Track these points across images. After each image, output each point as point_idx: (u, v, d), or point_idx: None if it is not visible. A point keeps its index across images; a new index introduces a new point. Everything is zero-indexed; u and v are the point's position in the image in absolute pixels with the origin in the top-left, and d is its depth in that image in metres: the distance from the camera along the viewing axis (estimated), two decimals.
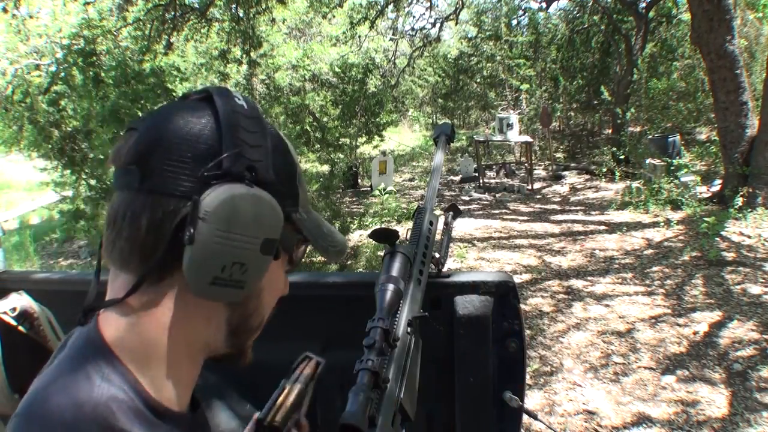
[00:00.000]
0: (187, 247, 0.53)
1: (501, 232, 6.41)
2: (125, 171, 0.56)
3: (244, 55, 8.43)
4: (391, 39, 13.55)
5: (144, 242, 0.54)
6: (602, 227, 6.10)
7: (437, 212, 1.08)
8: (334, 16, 10.99)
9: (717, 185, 6.51)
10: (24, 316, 1.27)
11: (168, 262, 0.54)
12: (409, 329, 0.84)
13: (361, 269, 5.41)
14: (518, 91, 11.75)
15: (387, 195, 7.07)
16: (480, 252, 5.65)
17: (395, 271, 0.87)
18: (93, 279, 0.61)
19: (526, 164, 9.43)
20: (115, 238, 0.55)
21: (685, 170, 6.86)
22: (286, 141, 0.63)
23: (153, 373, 0.56)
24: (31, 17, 7.88)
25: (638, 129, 9.93)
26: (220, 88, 0.60)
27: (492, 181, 9.44)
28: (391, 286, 0.85)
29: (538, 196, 8.35)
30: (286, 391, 0.86)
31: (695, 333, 3.53)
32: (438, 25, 12.47)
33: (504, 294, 1.16)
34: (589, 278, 4.65)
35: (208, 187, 0.53)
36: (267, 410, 0.82)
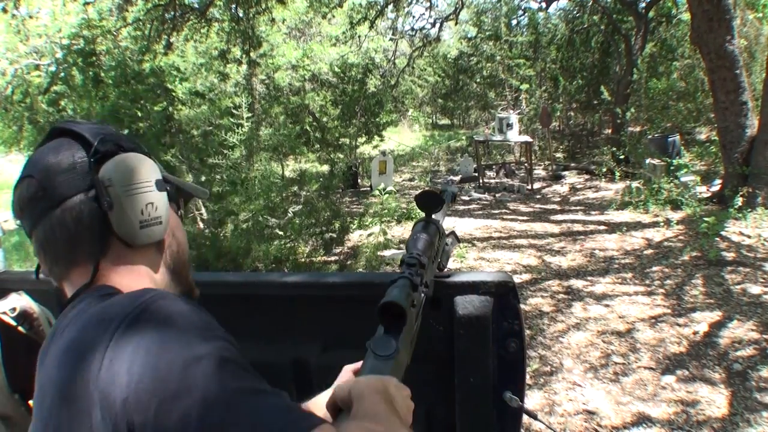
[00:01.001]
0: (110, 213, 0.70)
1: (501, 232, 6.41)
2: (33, 211, 0.73)
3: (244, 55, 8.41)
4: (390, 39, 13.54)
5: (80, 239, 0.71)
6: (602, 227, 6.10)
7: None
8: (333, 16, 10.98)
9: (717, 185, 6.51)
10: (24, 316, 1.27)
11: (104, 241, 0.71)
12: (424, 290, 0.93)
13: (361, 269, 5.41)
14: (518, 91, 11.75)
15: (387, 195, 7.07)
16: (480, 252, 5.65)
17: (428, 232, 1.00)
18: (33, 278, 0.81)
19: (526, 164, 9.43)
20: (57, 253, 0.72)
21: (685, 170, 6.86)
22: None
23: None
24: (30, 17, 7.87)
25: (638, 129, 9.93)
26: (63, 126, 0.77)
27: (492, 181, 9.44)
28: (425, 236, 0.98)
29: (538, 196, 8.35)
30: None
31: (695, 333, 3.53)
32: (438, 25, 12.47)
33: (504, 294, 1.16)
34: (589, 278, 4.65)
35: (98, 164, 0.71)
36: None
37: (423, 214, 1.06)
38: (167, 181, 0.80)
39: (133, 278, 0.72)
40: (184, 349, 0.56)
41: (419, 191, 1.08)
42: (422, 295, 0.92)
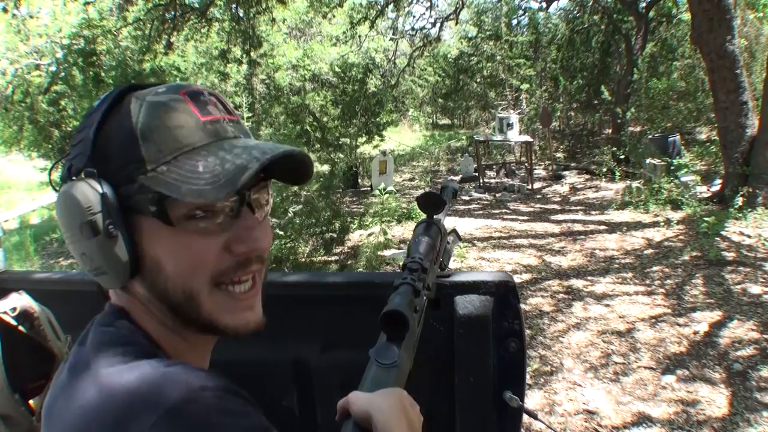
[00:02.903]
0: None
1: (501, 231, 6.41)
2: None
3: (244, 55, 8.42)
4: (391, 39, 13.55)
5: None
6: (602, 227, 6.10)
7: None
8: (334, 16, 10.98)
9: (717, 185, 6.51)
10: (24, 316, 1.27)
11: None
12: (426, 293, 0.93)
13: (361, 269, 5.41)
14: (518, 90, 11.74)
15: (387, 195, 7.07)
16: (480, 252, 5.64)
17: (430, 234, 0.99)
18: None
19: (526, 164, 9.43)
20: None
21: (685, 170, 6.86)
22: (133, 106, 0.59)
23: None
24: (31, 17, 7.88)
25: (638, 129, 9.93)
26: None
27: (492, 180, 9.43)
28: (427, 239, 0.97)
29: (538, 196, 8.34)
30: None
31: (695, 333, 3.53)
32: (438, 24, 12.47)
33: (504, 294, 1.16)
34: (589, 278, 4.65)
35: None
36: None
37: (424, 215, 1.07)
38: (153, 190, 0.56)
39: (126, 298, 0.63)
40: None
41: (421, 192, 1.08)
42: (424, 299, 0.92)
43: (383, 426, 0.59)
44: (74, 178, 0.59)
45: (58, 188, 0.61)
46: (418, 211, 1.11)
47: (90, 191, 0.56)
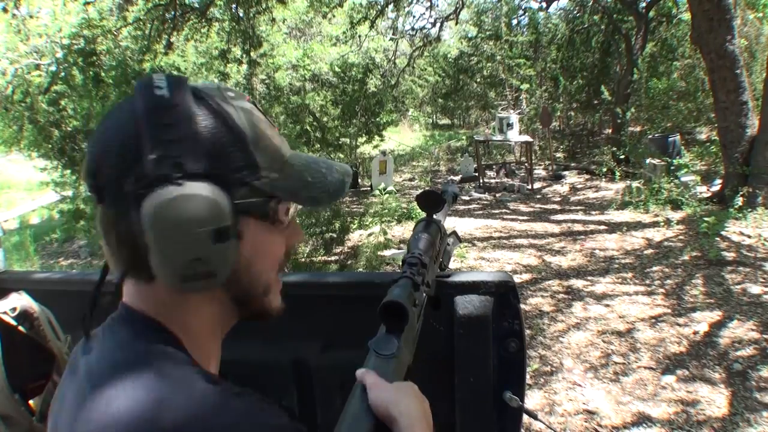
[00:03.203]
0: (149, 256, 0.55)
1: (501, 231, 6.41)
2: (88, 189, 0.58)
3: (244, 55, 8.42)
4: (391, 39, 13.55)
5: (119, 252, 0.57)
6: (602, 227, 6.10)
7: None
8: (334, 16, 10.99)
9: (717, 185, 6.51)
10: (24, 316, 1.27)
11: (146, 266, 0.56)
12: (426, 290, 0.94)
13: (361, 269, 5.41)
14: (518, 90, 11.75)
15: (387, 195, 7.07)
16: (480, 252, 5.64)
17: (430, 232, 1.00)
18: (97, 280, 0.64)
19: (526, 164, 9.43)
20: (106, 249, 0.59)
21: (685, 170, 6.86)
22: (229, 109, 0.60)
23: (194, 354, 0.60)
24: (31, 17, 7.88)
25: (638, 129, 9.93)
26: (144, 81, 0.58)
27: (492, 180, 9.44)
28: (426, 236, 0.98)
29: (538, 196, 8.34)
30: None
31: (695, 333, 3.53)
32: (438, 24, 12.47)
33: (504, 294, 1.16)
34: (589, 278, 4.65)
35: (143, 196, 0.53)
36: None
37: (424, 214, 1.07)
38: (269, 195, 0.61)
39: (172, 311, 0.60)
40: None
41: (420, 191, 1.08)
42: (424, 294, 0.93)
43: (406, 424, 0.59)
44: (182, 178, 0.54)
45: (151, 187, 0.53)
46: (418, 211, 1.11)
47: (219, 195, 0.55)
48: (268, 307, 0.67)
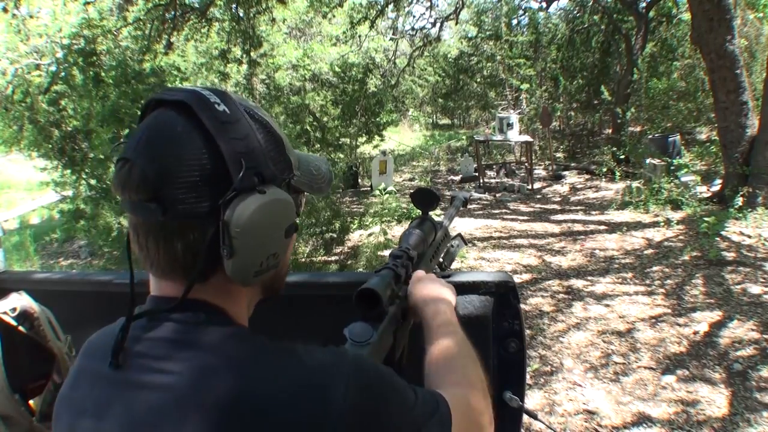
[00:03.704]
0: (227, 260, 0.60)
1: (501, 231, 6.41)
2: (143, 206, 0.60)
3: (244, 55, 8.42)
4: (391, 39, 13.55)
5: (183, 261, 0.61)
6: (602, 227, 6.10)
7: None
8: (334, 16, 10.98)
9: (717, 185, 6.51)
10: (24, 316, 1.27)
11: (210, 270, 0.62)
12: None
13: (361, 269, 5.41)
14: (518, 90, 11.74)
15: (387, 195, 7.07)
16: (480, 252, 5.64)
17: (422, 228, 1.01)
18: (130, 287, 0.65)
19: (526, 164, 9.43)
20: (153, 258, 0.62)
21: (685, 170, 6.85)
22: (263, 115, 0.68)
23: None
24: (31, 17, 7.87)
25: (638, 129, 9.93)
26: (197, 97, 0.61)
27: (492, 180, 9.44)
28: (418, 232, 0.99)
29: (538, 196, 8.34)
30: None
31: (695, 333, 3.53)
32: (438, 24, 12.48)
33: (504, 294, 1.16)
34: (589, 278, 4.65)
35: (227, 205, 0.59)
36: None
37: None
38: (298, 190, 0.72)
39: (227, 299, 0.66)
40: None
41: (414, 188, 1.08)
42: None
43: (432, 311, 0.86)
44: (262, 184, 0.62)
45: (238, 197, 0.60)
46: (419, 211, 1.11)
47: (288, 200, 0.65)
48: (283, 285, 0.76)
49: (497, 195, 8.56)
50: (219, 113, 0.60)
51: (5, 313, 1.25)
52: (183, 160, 0.58)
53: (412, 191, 1.06)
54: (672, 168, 6.88)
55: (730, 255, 4.62)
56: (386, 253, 5.62)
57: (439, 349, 0.79)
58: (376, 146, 10.84)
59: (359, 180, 10.22)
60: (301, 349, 0.62)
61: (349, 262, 5.81)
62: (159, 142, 0.60)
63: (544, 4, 12.38)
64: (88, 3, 7.40)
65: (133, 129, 0.65)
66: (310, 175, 0.74)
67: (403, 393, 0.64)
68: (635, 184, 7.40)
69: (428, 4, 12.13)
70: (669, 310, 3.88)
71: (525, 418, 1.71)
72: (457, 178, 9.90)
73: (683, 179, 6.70)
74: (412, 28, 13.95)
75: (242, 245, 0.60)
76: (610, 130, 11.10)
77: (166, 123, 0.61)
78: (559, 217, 6.86)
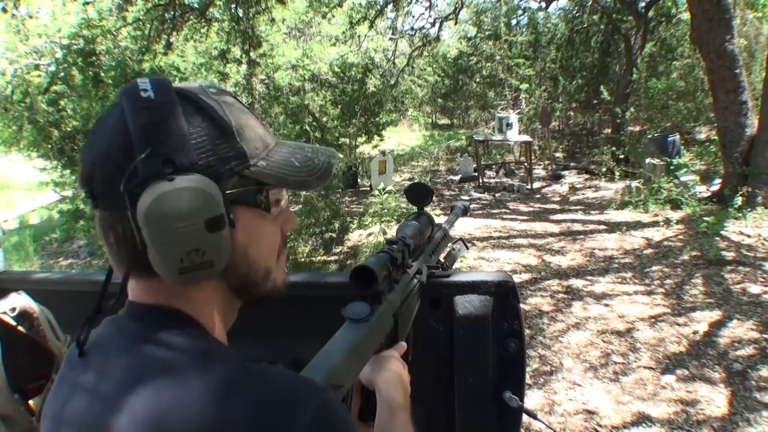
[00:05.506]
0: (148, 254, 0.57)
1: (501, 231, 6.41)
2: (87, 199, 0.61)
3: (244, 55, 8.41)
4: (390, 39, 13.54)
5: (119, 253, 0.60)
6: (602, 227, 6.10)
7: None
8: (333, 16, 10.98)
9: (716, 185, 6.51)
10: (24, 316, 1.27)
11: (146, 263, 0.58)
12: (417, 276, 0.96)
13: None
14: (518, 90, 11.74)
15: (387, 195, 7.07)
16: (480, 252, 5.64)
17: (419, 221, 1.01)
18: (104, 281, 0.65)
19: (525, 164, 9.43)
20: (107, 251, 0.61)
21: (685, 170, 6.86)
22: (213, 102, 0.62)
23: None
24: (30, 17, 7.86)
25: (638, 128, 9.93)
26: (130, 86, 0.60)
27: (492, 180, 9.44)
28: (414, 223, 0.99)
29: (538, 196, 8.35)
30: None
31: (695, 332, 3.53)
32: (437, 24, 12.49)
33: (504, 294, 1.16)
34: (588, 278, 4.65)
35: (136, 196, 0.55)
36: None
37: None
38: (260, 182, 0.63)
39: (191, 302, 0.62)
40: None
41: (408, 184, 1.09)
42: (415, 280, 0.94)
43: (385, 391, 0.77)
44: (173, 173, 0.56)
45: (145, 185, 0.55)
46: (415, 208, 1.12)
47: (212, 186, 0.57)
48: (272, 288, 0.69)
49: (497, 195, 8.56)
50: (141, 100, 0.57)
51: (5, 313, 1.25)
52: (106, 151, 0.58)
53: (406, 187, 1.07)
54: (671, 168, 6.89)
55: (729, 255, 4.62)
56: None
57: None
58: (375, 146, 10.84)
59: (359, 180, 10.22)
60: (257, 372, 0.57)
61: (348, 262, 5.81)
62: (94, 135, 0.61)
63: (543, 4, 12.39)
64: (88, 3, 7.40)
65: None
66: (286, 167, 0.65)
67: None
68: (635, 183, 7.40)
69: (427, 4, 12.14)
70: (668, 310, 3.88)
71: (525, 417, 1.71)
72: (457, 178, 9.90)
73: (683, 179, 6.71)
74: (412, 28, 13.96)
75: (151, 237, 0.55)
76: (609, 130, 11.10)
77: (107, 116, 0.61)
78: (559, 216, 6.86)
